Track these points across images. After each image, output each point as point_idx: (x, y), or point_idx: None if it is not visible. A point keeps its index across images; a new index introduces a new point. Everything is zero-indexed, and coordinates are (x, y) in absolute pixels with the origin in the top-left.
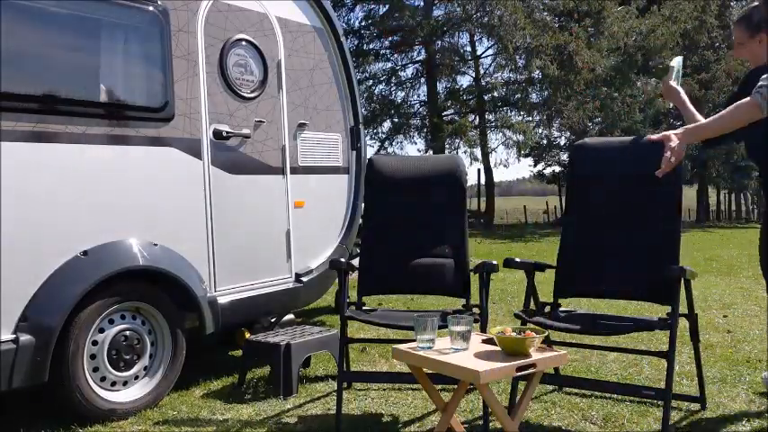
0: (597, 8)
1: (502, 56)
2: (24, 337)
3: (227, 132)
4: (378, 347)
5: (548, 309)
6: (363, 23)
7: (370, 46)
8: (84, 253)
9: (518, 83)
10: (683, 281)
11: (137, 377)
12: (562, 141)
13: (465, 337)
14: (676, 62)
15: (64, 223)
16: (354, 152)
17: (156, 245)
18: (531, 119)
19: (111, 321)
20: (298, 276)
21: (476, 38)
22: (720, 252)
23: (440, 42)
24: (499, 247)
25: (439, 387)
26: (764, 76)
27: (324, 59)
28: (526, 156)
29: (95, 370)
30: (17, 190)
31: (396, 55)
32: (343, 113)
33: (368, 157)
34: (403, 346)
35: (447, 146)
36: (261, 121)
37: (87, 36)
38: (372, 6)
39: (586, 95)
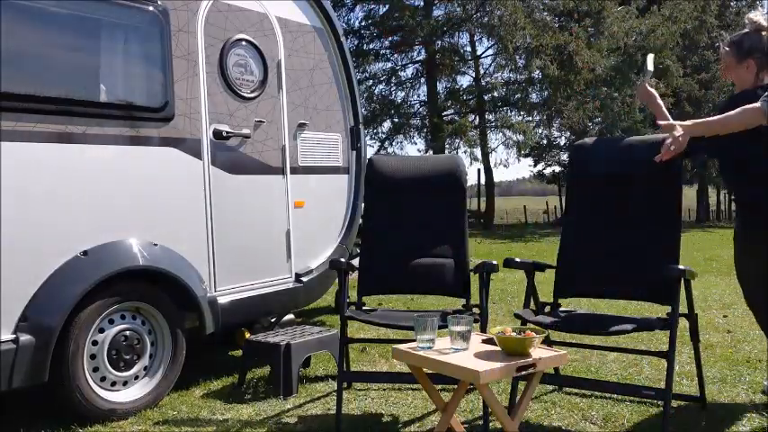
0: (597, 8)
1: (502, 56)
2: (24, 337)
3: (227, 132)
4: (378, 347)
5: (548, 309)
6: (363, 23)
7: (370, 46)
8: (84, 253)
9: (518, 83)
10: (683, 281)
11: (137, 377)
12: (562, 141)
13: (465, 337)
14: (649, 61)
15: (64, 223)
16: (354, 152)
17: (156, 245)
18: (531, 119)
19: (111, 321)
20: (298, 276)
21: (476, 38)
22: (720, 252)
23: (440, 42)
24: (499, 247)
25: (439, 387)
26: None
27: (324, 59)
28: (526, 156)
29: (95, 370)
30: (17, 190)
31: (396, 55)
32: (343, 113)
33: (368, 157)
34: (403, 346)
35: (447, 146)
36: (261, 121)
37: (87, 36)
38: (372, 6)
39: (586, 95)
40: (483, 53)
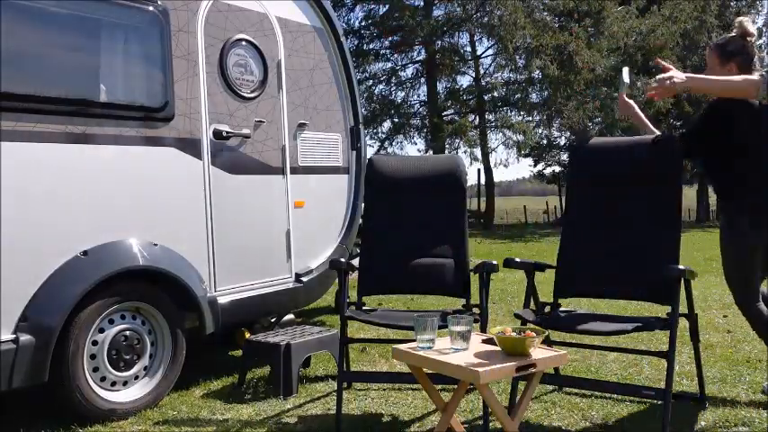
0: (597, 8)
1: (502, 56)
2: (24, 337)
3: (227, 132)
4: (378, 347)
5: (548, 309)
6: (363, 23)
7: (370, 46)
8: (84, 253)
9: (518, 83)
10: (682, 281)
11: (137, 377)
12: (562, 141)
13: (465, 337)
14: (625, 73)
15: (64, 223)
16: (354, 152)
17: (156, 245)
18: (531, 119)
19: (111, 321)
20: (298, 276)
21: (476, 38)
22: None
23: (440, 42)
24: (499, 247)
25: (439, 387)
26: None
27: (324, 59)
28: (526, 156)
29: (95, 370)
30: (17, 190)
31: (396, 55)
32: (343, 113)
33: (368, 157)
34: (403, 346)
35: (447, 146)
36: (261, 121)
37: (87, 36)
38: (372, 6)
39: (586, 95)
40: (483, 53)
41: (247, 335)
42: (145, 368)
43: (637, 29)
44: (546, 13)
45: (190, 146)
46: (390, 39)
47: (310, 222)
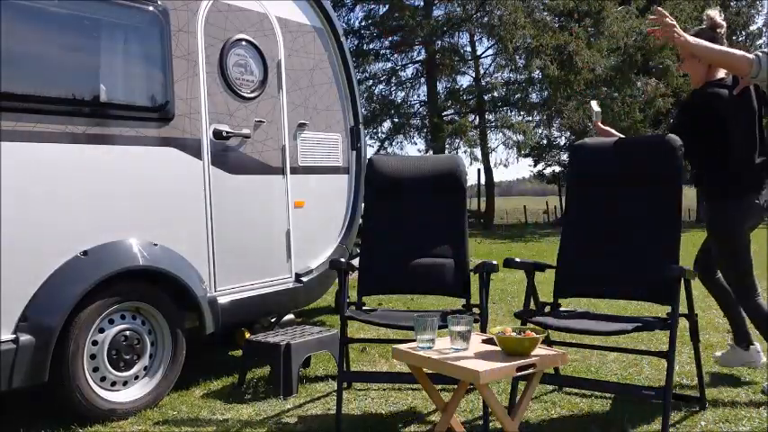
0: (597, 8)
1: (502, 56)
2: (24, 337)
3: (227, 132)
4: (378, 347)
5: (548, 309)
6: (363, 23)
7: (370, 46)
8: (84, 253)
9: (518, 83)
10: (682, 281)
11: (137, 377)
12: (562, 141)
13: (465, 337)
14: (594, 105)
15: (64, 223)
16: (354, 152)
17: (156, 245)
18: (531, 119)
19: (111, 321)
20: (298, 276)
21: (476, 38)
22: None
23: (440, 42)
24: (499, 247)
25: (439, 387)
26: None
27: (324, 59)
28: (526, 156)
29: (95, 370)
30: (17, 190)
31: (396, 55)
32: (343, 113)
33: (368, 157)
34: (403, 346)
35: (447, 146)
36: (261, 121)
37: (87, 36)
38: (372, 6)
39: (586, 95)
40: (483, 53)
41: (247, 335)
42: (145, 368)
43: (637, 29)
44: (546, 13)
45: (190, 146)
46: (390, 39)
47: (310, 222)
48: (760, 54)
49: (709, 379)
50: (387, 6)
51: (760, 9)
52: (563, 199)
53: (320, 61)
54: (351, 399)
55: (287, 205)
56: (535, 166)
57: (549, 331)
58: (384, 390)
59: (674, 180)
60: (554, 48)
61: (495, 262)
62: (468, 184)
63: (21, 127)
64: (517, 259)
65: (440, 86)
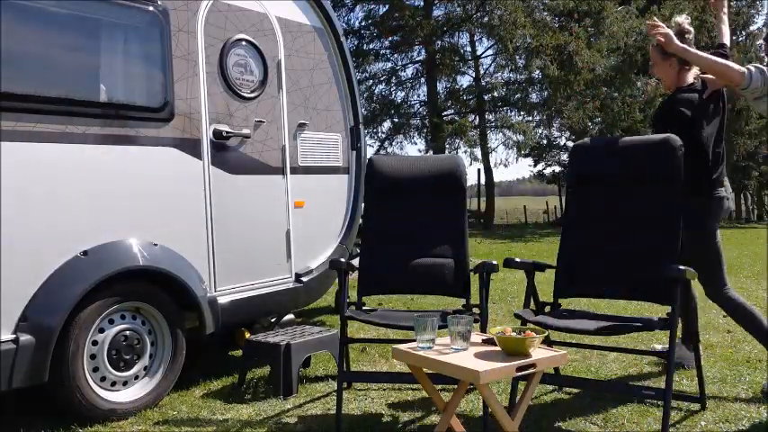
0: (597, 8)
1: (502, 56)
2: (24, 337)
3: (227, 132)
4: (378, 347)
5: (548, 309)
6: (363, 23)
7: (370, 46)
8: (84, 253)
9: (518, 83)
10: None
11: (137, 377)
12: (562, 141)
13: (465, 337)
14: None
15: (64, 223)
16: (354, 152)
17: (156, 245)
18: (531, 119)
19: (111, 321)
20: (298, 276)
21: (476, 38)
22: None
23: (440, 42)
24: (499, 247)
25: (439, 387)
26: (758, 66)
27: (324, 59)
28: (526, 156)
29: (95, 370)
30: (17, 190)
31: (396, 55)
32: (343, 113)
33: (368, 157)
34: (403, 346)
35: (447, 146)
36: (261, 121)
37: (87, 36)
38: (372, 6)
39: (586, 95)
40: (483, 53)
41: (247, 335)
42: (145, 368)
43: (637, 29)
44: (546, 13)
45: (190, 146)
46: (390, 39)
47: (310, 222)
48: (752, 68)
49: (709, 379)
50: (387, 6)
51: (760, 9)
52: (563, 199)
53: (320, 61)
54: (351, 399)
55: (287, 205)
56: (535, 166)
57: (549, 331)
58: (384, 390)
59: (674, 180)
60: (554, 48)
61: (495, 262)
62: (468, 184)
63: (21, 127)
64: (517, 259)
65: (440, 86)
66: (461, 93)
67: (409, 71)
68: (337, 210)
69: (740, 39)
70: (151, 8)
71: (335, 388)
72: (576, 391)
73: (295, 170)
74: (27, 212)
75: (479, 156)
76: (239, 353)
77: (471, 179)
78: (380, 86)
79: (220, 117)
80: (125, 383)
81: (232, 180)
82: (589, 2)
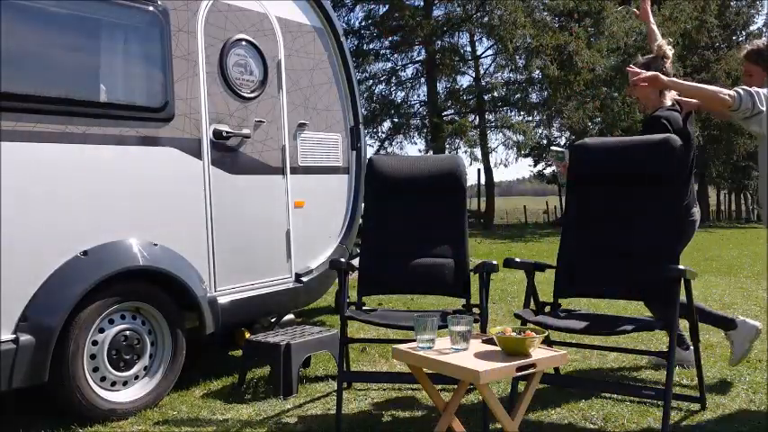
0: (597, 8)
1: (502, 56)
2: (24, 337)
3: (227, 132)
4: (378, 347)
5: (548, 309)
6: (363, 23)
7: (370, 46)
8: (84, 253)
9: (518, 83)
10: (682, 281)
11: (137, 377)
12: (562, 141)
13: (465, 337)
14: (555, 148)
15: (64, 223)
16: (354, 152)
17: (155, 245)
18: (531, 119)
19: (111, 321)
20: (298, 276)
21: (476, 38)
22: (720, 252)
23: (440, 42)
24: (499, 247)
25: (439, 387)
26: (745, 88)
27: (324, 59)
28: (526, 156)
29: (95, 370)
30: (17, 190)
31: (396, 55)
32: (343, 113)
33: (368, 157)
34: (403, 346)
35: (447, 146)
36: (261, 121)
37: (87, 36)
38: (372, 6)
39: (586, 95)
40: (483, 53)
41: (247, 335)
42: (145, 368)
43: (637, 29)
44: (546, 13)
45: (190, 146)
46: (390, 39)
47: (310, 222)
48: (740, 90)
49: (709, 379)
50: (387, 6)
51: (760, 9)
52: (563, 199)
53: (320, 61)
54: (351, 399)
55: (287, 205)
56: (535, 166)
57: (549, 331)
58: (384, 390)
59: (674, 180)
60: (554, 48)
61: (495, 262)
62: (469, 184)
63: (21, 127)
64: (517, 259)
65: (440, 86)
66: (461, 93)
67: (409, 71)
68: (337, 210)
69: (740, 39)
70: (151, 8)
71: (335, 388)
72: (575, 391)
73: (295, 170)
74: (27, 212)
75: (479, 156)
76: (239, 353)
77: (471, 179)
78: (380, 86)
79: (220, 117)
80: (125, 383)
81: (232, 180)
82: (589, 2)
